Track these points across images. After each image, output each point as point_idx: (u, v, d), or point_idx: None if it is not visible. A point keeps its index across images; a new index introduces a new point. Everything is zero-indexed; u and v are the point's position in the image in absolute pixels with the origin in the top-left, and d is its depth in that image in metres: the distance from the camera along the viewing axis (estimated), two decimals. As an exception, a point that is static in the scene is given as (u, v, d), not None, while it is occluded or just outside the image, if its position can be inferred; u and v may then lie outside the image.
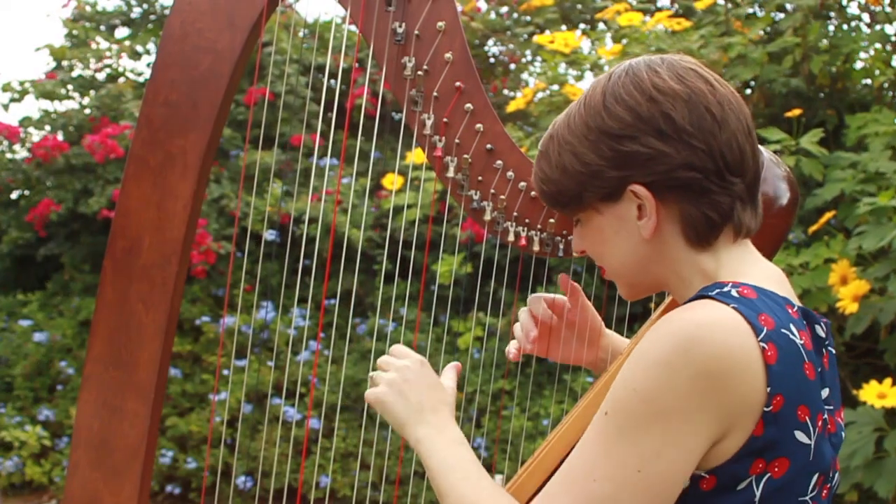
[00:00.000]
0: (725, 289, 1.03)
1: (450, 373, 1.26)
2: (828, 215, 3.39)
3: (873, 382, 2.97)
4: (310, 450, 4.46)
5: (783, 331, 1.00)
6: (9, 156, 5.65)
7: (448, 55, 1.36)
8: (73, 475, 1.43)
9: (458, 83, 1.36)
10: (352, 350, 4.81)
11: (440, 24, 1.35)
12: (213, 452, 4.35)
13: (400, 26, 1.35)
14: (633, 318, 2.55)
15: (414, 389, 1.19)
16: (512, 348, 1.41)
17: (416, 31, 1.36)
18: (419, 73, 1.36)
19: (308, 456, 4.41)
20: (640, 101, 1.05)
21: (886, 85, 4.10)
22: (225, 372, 4.68)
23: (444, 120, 1.37)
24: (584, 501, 0.97)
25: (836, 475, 1.10)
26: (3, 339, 5.20)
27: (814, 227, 3.51)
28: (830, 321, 3.65)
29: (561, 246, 1.39)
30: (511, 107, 4.44)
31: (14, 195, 5.73)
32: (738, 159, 1.06)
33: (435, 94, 1.36)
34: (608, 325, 1.49)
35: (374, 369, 1.25)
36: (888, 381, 2.95)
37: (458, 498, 1.09)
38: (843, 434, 1.11)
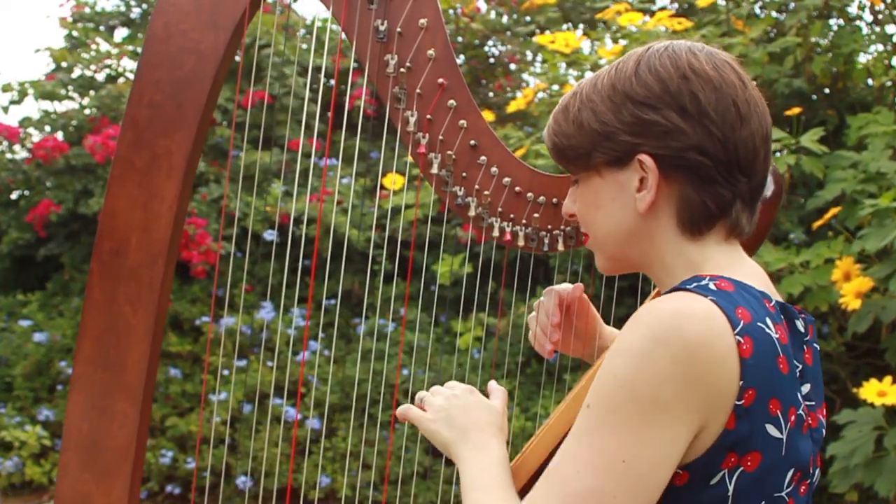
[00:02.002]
0: (703, 282, 1.03)
1: (498, 394, 1.26)
2: (832, 211, 3.38)
3: (873, 380, 2.95)
4: (310, 450, 4.45)
5: (759, 324, 1.00)
6: (9, 156, 5.66)
7: (430, 52, 1.35)
8: (64, 477, 1.43)
9: (440, 80, 1.35)
10: (351, 350, 4.81)
11: (422, 21, 1.35)
12: (214, 453, 4.36)
13: (382, 24, 1.35)
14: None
15: (460, 415, 1.20)
16: (547, 346, 1.37)
17: (398, 29, 1.36)
18: (402, 70, 1.36)
19: (308, 456, 4.40)
20: (672, 76, 1.05)
21: (889, 84, 4.08)
22: (225, 372, 4.68)
23: (428, 117, 1.36)
24: (572, 497, 0.96)
25: (817, 472, 1.09)
26: (3, 339, 5.21)
27: (818, 223, 3.50)
28: (831, 320, 3.60)
29: (546, 240, 1.38)
30: (511, 107, 4.43)
31: (14, 195, 5.75)
32: (751, 159, 1.06)
33: (418, 90, 1.36)
34: (608, 325, 1.49)
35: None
36: (888, 378, 2.94)
37: None
38: (823, 431, 1.11)
